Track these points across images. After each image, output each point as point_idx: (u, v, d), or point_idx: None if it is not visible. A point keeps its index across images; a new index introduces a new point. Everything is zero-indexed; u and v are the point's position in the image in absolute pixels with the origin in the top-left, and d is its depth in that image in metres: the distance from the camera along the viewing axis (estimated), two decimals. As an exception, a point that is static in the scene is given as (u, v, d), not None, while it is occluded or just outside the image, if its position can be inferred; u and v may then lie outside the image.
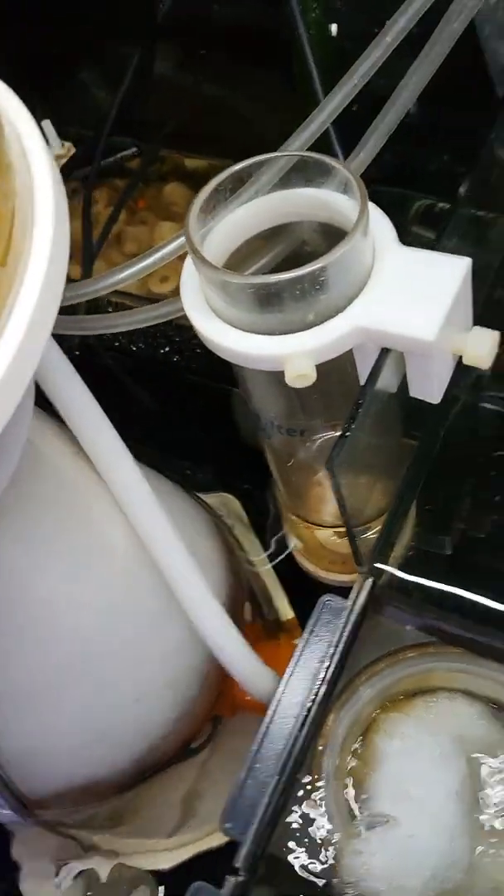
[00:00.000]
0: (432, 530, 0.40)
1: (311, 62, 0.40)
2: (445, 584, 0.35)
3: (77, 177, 0.57)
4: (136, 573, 0.36)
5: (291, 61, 0.42)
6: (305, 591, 0.44)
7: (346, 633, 0.33)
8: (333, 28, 0.41)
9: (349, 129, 0.34)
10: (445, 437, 0.38)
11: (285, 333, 0.27)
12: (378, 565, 0.35)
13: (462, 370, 0.30)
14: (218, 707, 0.44)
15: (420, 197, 0.49)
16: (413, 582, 0.35)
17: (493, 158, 0.38)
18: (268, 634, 0.47)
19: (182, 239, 0.32)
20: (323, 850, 0.31)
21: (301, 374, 0.27)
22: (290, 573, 0.48)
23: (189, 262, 0.29)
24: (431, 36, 0.31)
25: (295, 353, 0.27)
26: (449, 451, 0.39)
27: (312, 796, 0.32)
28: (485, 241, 0.42)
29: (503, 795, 0.32)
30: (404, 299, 0.27)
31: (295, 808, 0.32)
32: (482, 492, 0.44)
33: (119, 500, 0.34)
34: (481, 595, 0.35)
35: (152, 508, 0.34)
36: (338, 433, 0.35)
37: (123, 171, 0.58)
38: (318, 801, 0.32)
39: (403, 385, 0.30)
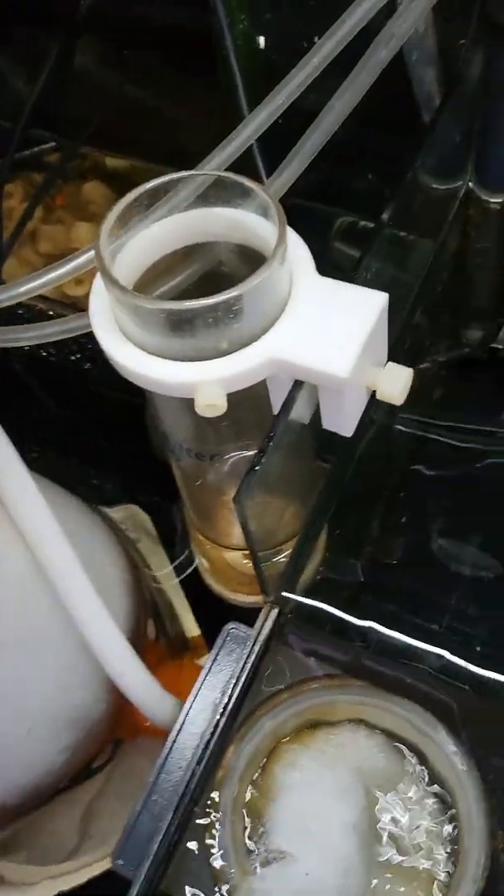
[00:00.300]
0: (342, 555, 0.40)
1: (236, 73, 0.39)
2: (352, 614, 0.35)
3: (-9, 168, 0.54)
4: (34, 598, 0.34)
5: (218, 68, 0.41)
6: (212, 608, 0.43)
7: (249, 664, 0.33)
8: (261, 40, 0.40)
9: (273, 143, 0.33)
10: (359, 461, 0.38)
11: (197, 360, 0.26)
12: (285, 594, 0.34)
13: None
14: (119, 730, 0.43)
15: (343, 214, 0.48)
16: (319, 612, 0.35)
17: (416, 184, 0.38)
18: (172, 654, 0.46)
19: (95, 251, 0.31)
20: (217, 887, 0.30)
21: (211, 404, 0.26)
22: (196, 589, 0.47)
23: (99, 279, 0.28)
24: (359, 61, 0.30)
25: (206, 382, 0.26)
26: (361, 474, 0.39)
27: (209, 831, 0.31)
28: (405, 263, 0.42)
29: (399, 828, 0.32)
30: (319, 333, 0.26)
31: (191, 843, 0.31)
32: (392, 516, 0.44)
33: (14, 518, 0.32)
34: (387, 626, 0.35)
35: (48, 526, 0.33)
36: (249, 453, 0.34)
37: (41, 166, 0.56)
38: (214, 836, 0.31)
39: (317, 415, 0.29)
